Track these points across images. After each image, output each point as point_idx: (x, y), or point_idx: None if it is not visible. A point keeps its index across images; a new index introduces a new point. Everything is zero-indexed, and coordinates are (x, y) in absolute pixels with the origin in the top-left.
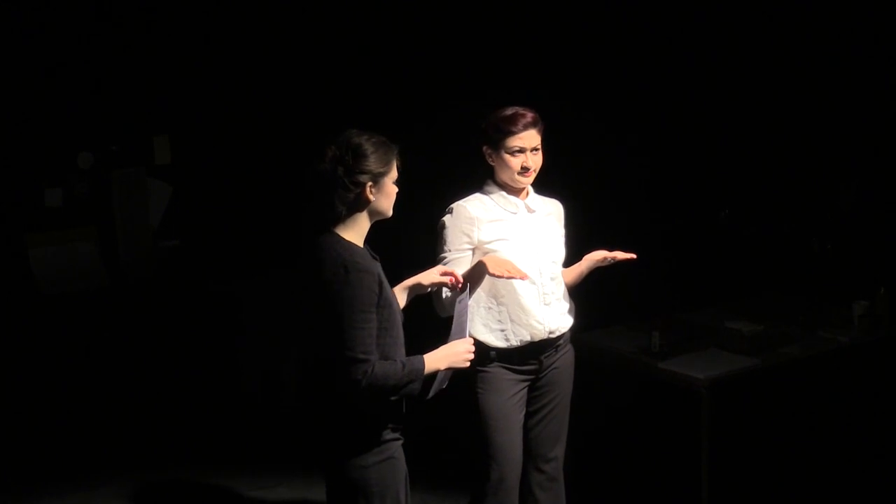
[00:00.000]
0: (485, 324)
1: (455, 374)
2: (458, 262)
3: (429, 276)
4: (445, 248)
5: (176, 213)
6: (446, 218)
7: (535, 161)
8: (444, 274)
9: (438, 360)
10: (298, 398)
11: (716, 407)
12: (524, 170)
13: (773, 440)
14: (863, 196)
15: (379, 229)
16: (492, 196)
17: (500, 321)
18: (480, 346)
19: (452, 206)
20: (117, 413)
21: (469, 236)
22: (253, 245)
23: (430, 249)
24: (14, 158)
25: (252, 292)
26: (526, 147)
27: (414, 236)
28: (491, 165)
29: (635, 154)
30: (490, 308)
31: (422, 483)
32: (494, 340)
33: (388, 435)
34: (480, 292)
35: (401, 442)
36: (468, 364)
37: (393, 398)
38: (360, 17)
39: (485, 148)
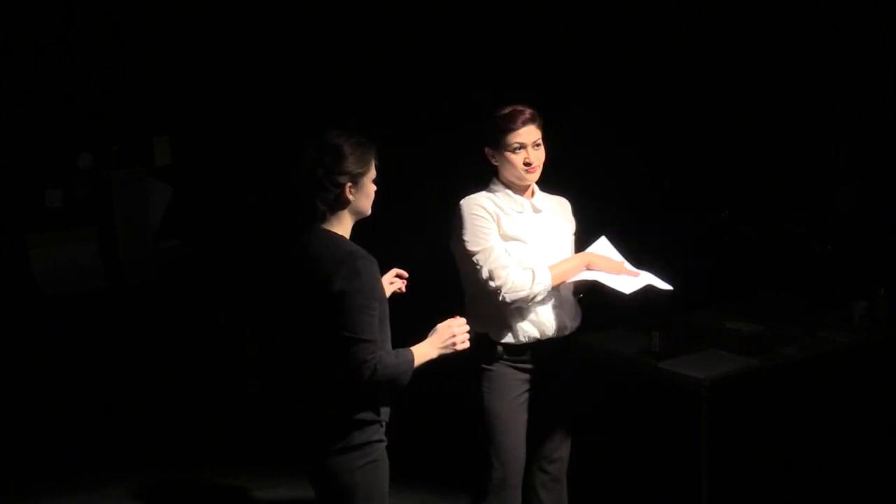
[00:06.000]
0: (494, 320)
1: (459, 372)
2: (499, 247)
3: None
4: (480, 240)
5: (176, 214)
6: (464, 215)
7: (538, 156)
8: (398, 276)
9: (426, 351)
10: (282, 399)
11: (716, 407)
12: (527, 165)
13: (773, 440)
14: (863, 196)
15: (385, 230)
16: (498, 194)
17: (510, 318)
18: (489, 343)
19: (461, 202)
20: (117, 413)
21: (489, 219)
22: (253, 245)
23: (434, 248)
24: (14, 159)
25: (252, 292)
26: (526, 143)
27: (420, 237)
28: (495, 166)
29: (635, 154)
30: (499, 305)
31: (422, 483)
32: (503, 337)
33: (374, 437)
34: None
35: (385, 444)
36: (462, 347)
37: (387, 389)
38: (363, 16)
39: (487, 149)
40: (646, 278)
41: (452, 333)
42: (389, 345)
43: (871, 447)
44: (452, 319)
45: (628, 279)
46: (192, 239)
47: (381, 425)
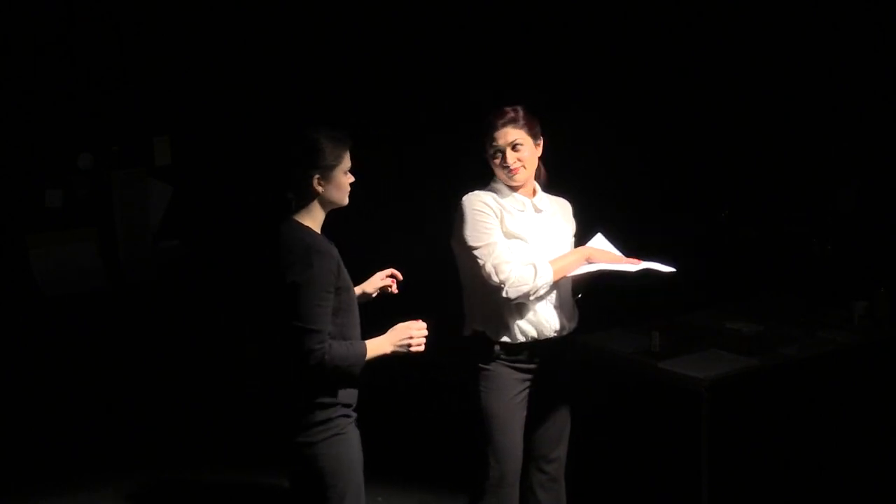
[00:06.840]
0: (492, 319)
1: (457, 371)
2: (501, 243)
3: (373, 283)
4: (482, 235)
5: (176, 214)
6: (466, 211)
7: (515, 158)
8: (389, 276)
9: (381, 345)
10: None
11: (716, 407)
12: (504, 168)
13: (773, 440)
14: (863, 196)
15: (385, 230)
16: (500, 193)
17: (508, 316)
18: (486, 341)
19: (463, 198)
20: (117, 413)
21: (492, 215)
22: (253, 246)
23: (434, 248)
24: (14, 159)
25: (252, 292)
26: (502, 145)
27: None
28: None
29: (635, 154)
30: (498, 303)
31: (420, 482)
32: (501, 336)
33: (336, 413)
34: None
35: (351, 419)
36: (417, 350)
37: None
38: (362, 16)
39: (484, 152)
40: (647, 263)
41: (410, 335)
42: (357, 332)
43: (871, 447)
44: (414, 321)
45: (630, 267)
46: (192, 239)
47: (345, 406)
